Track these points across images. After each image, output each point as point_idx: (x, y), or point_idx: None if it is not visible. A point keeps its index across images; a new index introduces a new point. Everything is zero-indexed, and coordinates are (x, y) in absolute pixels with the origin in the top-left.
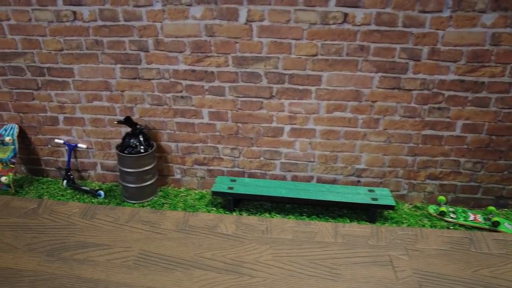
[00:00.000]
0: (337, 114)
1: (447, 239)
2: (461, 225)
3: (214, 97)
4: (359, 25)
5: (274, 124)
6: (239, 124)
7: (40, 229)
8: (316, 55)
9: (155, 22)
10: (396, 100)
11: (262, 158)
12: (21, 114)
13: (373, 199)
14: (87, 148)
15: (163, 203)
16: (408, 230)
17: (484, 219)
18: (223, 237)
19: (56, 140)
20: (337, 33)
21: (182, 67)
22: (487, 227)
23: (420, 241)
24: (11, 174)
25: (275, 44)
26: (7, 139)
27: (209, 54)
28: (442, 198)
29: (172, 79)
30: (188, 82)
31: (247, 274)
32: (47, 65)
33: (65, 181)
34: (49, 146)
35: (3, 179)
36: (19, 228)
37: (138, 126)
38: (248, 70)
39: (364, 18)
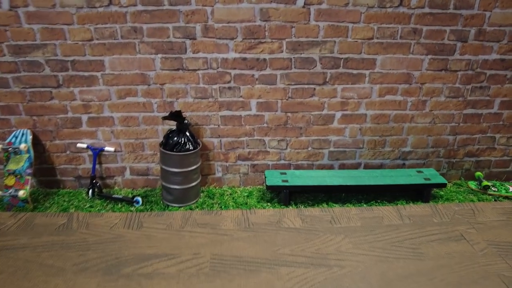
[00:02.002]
0: (388, 97)
1: (501, 210)
2: (504, 197)
3: (264, 86)
4: (413, 8)
5: (325, 112)
6: (289, 114)
7: (83, 246)
8: (372, 38)
9: (205, 6)
10: (443, 81)
11: (310, 148)
12: (34, 117)
13: (426, 179)
14: (115, 151)
15: (212, 204)
16: (463, 206)
17: None
18: (293, 231)
19: (79, 145)
20: (393, 16)
21: (232, 55)
22: None
23: (478, 215)
24: (27, 187)
25: (332, 27)
26: (22, 146)
27: (262, 40)
28: (479, 173)
29: (220, 69)
30: (237, 72)
31: (335, 265)
32: (71, 58)
33: (90, 191)
34: (68, 152)
35: (21, 193)
36: (57, 246)
37: (186, 121)
38: (302, 55)
39: (419, 1)
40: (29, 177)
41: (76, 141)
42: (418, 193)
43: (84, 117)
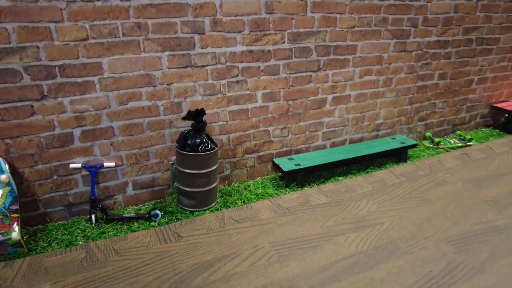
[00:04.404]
0: (366, 78)
1: (456, 158)
2: (450, 148)
3: (268, 77)
4: (383, 0)
5: (319, 96)
6: (290, 102)
7: (128, 273)
8: (354, 27)
9: None
10: (403, 60)
11: (307, 132)
12: (7, 141)
13: (401, 143)
14: (115, 166)
15: (235, 200)
16: (432, 160)
17: (459, 140)
18: (324, 206)
19: (72, 165)
20: (369, 7)
21: (239, 48)
22: (464, 144)
23: (444, 163)
24: (17, 227)
25: (324, 18)
26: (2, 178)
27: (267, 32)
28: (429, 134)
29: (228, 63)
30: (245, 65)
31: (376, 223)
32: (60, 62)
33: (93, 216)
34: (55, 177)
35: (14, 235)
36: (97, 282)
37: (204, 121)
38: (301, 45)
39: None
40: (17, 215)
41: (67, 161)
42: (396, 156)
43: (77, 132)
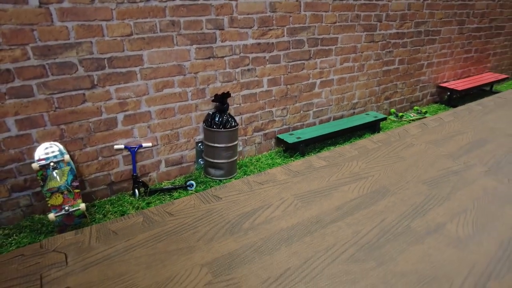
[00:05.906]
0: (345, 64)
1: (416, 127)
2: (411, 120)
3: (272, 66)
4: (356, 0)
5: (310, 81)
6: (288, 86)
7: (187, 226)
8: (335, 22)
9: (231, 0)
10: (372, 49)
11: (301, 112)
12: (62, 126)
13: (375, 117)
14: (151, 146)
15: (252, 170)
16: (399, 130)
17: (417, 113)
18: (325, 167)
19: (116, 146)
20: (346, 6)
21: (250, 41)
22: (421, 116)
23: (409, 131)
24: (80, 200)
25: (313, 15)
26: (66, 157)
27: (271, 28)
28: (393, 110)
29: (241, 54)
30: (254, 55)
31: (368, 176)
32: (108, 55)
33: (136, 190)
34: (100, 158)
35: (82, 206)
36: (164, 236)
37: (227, 103)
38: (296, 38)
39: None
40: (78, 190)
41: (110, 144)
42: (370, 128)
43: (120, 116)
